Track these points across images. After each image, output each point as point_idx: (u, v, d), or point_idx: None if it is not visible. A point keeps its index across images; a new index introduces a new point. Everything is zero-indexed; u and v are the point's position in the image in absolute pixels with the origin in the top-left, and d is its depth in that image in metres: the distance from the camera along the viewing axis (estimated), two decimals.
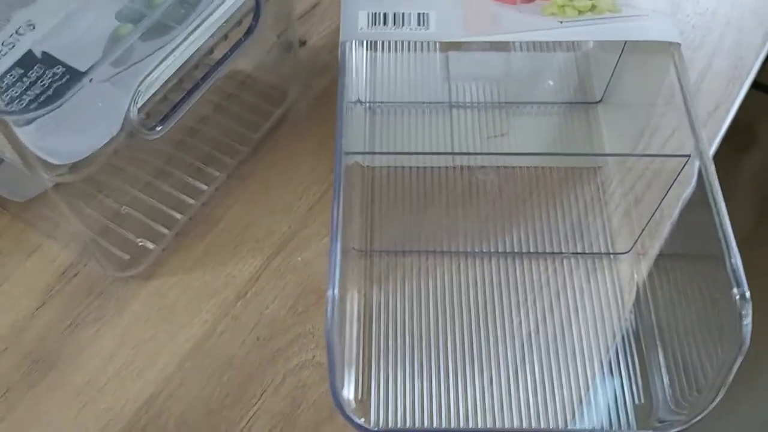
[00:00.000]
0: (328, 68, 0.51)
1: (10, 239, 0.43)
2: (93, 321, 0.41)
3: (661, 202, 0.39)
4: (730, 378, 0.31)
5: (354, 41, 0.39)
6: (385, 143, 0.47)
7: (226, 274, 0.43)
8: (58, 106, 0.31)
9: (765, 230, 1.20)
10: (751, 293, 0.31)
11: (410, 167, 0.46)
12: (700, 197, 0.34)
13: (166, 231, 0.43)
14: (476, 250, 0.43)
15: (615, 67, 0.46)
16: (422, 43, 0.49)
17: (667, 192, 0.38)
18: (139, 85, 0.34)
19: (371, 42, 0.48)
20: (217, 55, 0.38)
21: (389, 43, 0.49)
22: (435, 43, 0.49)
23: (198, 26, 0.37)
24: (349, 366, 0.39)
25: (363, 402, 0.38)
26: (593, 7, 0.38)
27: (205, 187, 0.45)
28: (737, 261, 0.31)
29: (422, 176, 0.46)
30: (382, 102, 0.49)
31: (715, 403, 0.31)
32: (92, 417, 0.38)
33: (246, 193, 0.46)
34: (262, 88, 0.49)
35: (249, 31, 0.39)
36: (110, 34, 0.38)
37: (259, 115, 0.48)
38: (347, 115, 0.37)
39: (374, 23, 0.38)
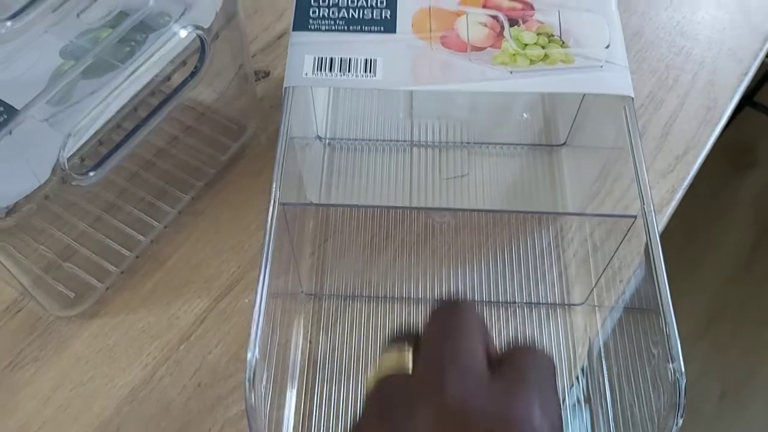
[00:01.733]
0: None
1: None
2: (32, 361, 0.40)
3: (612, 257, 0.38)
4: None
5: (292, 88, 0.37)
6: (342, 181, 0.46)
7: (170, 315, 0.42)
8: None
9: (764, 249, 1.19)
10: (750, 307, 0.30)
11: (366, 207, 0.46)
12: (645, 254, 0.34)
13: (113, 268, 0.43)
14: (428, 297, 0.42)
15: (577, 111, 0.45)
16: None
17: (618, 247, 0.37)
18: (71, 129, 0.34)
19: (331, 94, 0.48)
20: (160, 97, 0.37)
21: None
22: None
23: (141, 65, 0.37)
24: (287, 417, 0.38)
25: None
26: (545, 57, 0.37)
27: (156, 224, 0.44)
28: (674, 332, 0.30)
29: (378, 216, 0.45)
30: (341, 139, 0.48)
31: None
32: None
33: (197, 231, 0.45)
34: (220, 121, 0.48)
35: (194, 73, 0.38)
36: (53, 72, 0.37)
37: (216, 149, 0.47)
38: (293, 156, 0.36)
39: (320, 68, 0.37)
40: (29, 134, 0.34)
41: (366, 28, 0.38)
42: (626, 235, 0.36)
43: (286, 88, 0.37)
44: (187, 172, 0.46)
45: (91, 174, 0.35)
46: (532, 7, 0.39)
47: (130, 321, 0.42)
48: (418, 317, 0.42)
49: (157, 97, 0.38)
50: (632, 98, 0.37)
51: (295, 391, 0.39)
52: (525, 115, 0.49)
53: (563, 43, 0.37)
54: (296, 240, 0.39)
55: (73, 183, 0.34)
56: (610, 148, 0.42)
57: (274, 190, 0.34)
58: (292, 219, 0.36)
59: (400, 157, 0.47)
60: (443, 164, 0.47)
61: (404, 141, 0.48)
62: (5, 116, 0.34)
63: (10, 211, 0.33)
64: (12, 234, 0.38)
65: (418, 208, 0.45)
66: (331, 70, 0.37)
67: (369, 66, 0.37)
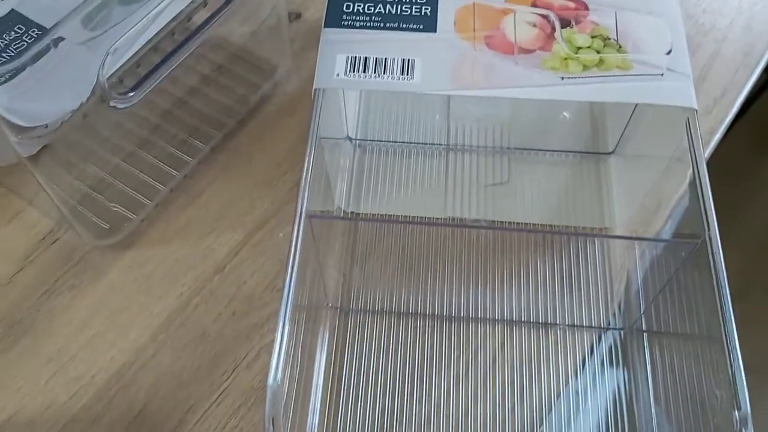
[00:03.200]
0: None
1: None
2: (69, 289, 0.41)
3: (667, 283, 0.36)
4: None
5: (323, 90, 0.35)
6: (373, 186, 0.44)
7: (205, 247, 0.42)
8: (22, 63, 0.30)
9: None
10: None
11: (397, 216, 0.43)
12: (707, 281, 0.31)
13: (147, 202, 0.43)
14: (461, 316, 0.40)
15: (630, 118, 0.42)
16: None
17: (674, 273, 0.35)
18: (110, 49, 0.34)
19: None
20: (197, 22, 0.37)
21: None
22: None
23: None
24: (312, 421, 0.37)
25: None
26: (600, 62, 0.34)
27: (189, 159, 0.44)
28: (741, 379, 0.28)
29: (409, 228, 0.43)
30: (373, 140, 0.45)
31: None
32: (62, 385, 0.38)
33: (230, 167, 0.45)
34: (252, 61, 0.48)
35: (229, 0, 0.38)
36: None
37: (247, 88, 0.47)
38: (321, 157, 0.34)
39: (353, 69, 0.35)
40: (68, 56, 0.34)
41: (404, 25, 0.36)
42: (685, 260, 0.33)
43: (316, 89, 0.35)
44: (219, 110, 0.46)
45: (131, 94, 0.35)
46: (586, 7, 0.36)
47: (165, 252, 0.42)
48: (451, 335, 0.40)
49: (193, 23, 0.38)
50: (696, 110, 0.34)
51: (318, 406, 0.37)
52: (565, 114, 0.46)
53: (620, 47, 0.35)
54: (322, 250, 0.37)
55: (112, 103, 0.34)
56: (666, 159, 0.39)
57: (300, 200, 0.32)
58: (319, 229, 0.34)
59: (435, 162, 0.44)
60: (482, 170, 0.44)
61: (440, 144, 0.45)
62: (41, 35, 0.34)
63: (52, 129, 0.34)
64: (52, 159, 0.38)
65: (453, 225, 0.42)
66: (365, 71, 0.35)
67: (406, 67, 0.35)
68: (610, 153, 0.44)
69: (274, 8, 0.45)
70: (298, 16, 0.51)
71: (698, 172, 0.32)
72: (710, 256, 0.30)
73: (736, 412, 0.28)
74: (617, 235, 0.42)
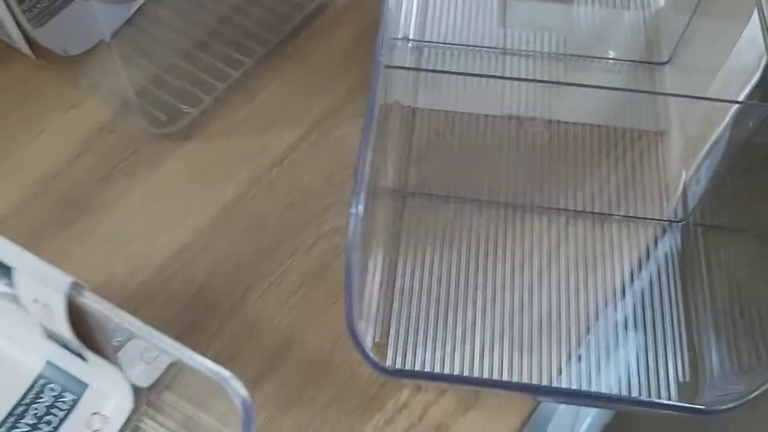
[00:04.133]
0: None
1: (51, 93, 0.43)
2: (126, 175, 0.41)
3: (719, 163, 0.37)
4: None
5: None
6: (430, 84, 0.44)
7: (263, 142, 0.42)
8: None
9: None
10: None
11: (454, 112, 0.43)
12: None
13: (204, 96, 0.43)
14: (517, 202, 0.40)
15: (685, 29, 0.43)
16: None
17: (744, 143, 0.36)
18: None
19: None
20: None
21: None
22: None
23: None
24: (368, 306, 0.36)
25: (379, 345, 0.36)
26: None
27: (246, 60, 0.44)
28: None
29: (466, 122, 0.43)
30: (429, 42, 0.46)
31: None
32: (121, 262, 0.38)
33: (285, 70, 0.45)
34: None
35: None
36: None
37: None
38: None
39: None
40: None
41: None
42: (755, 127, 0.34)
43: None
44: (274, 16, 0.47)
45: None
46: None
47: (223, 145, 0.42)
48: (506, 222, 0.40)
49: None
50: None
51: (376, 290, 0.37)
52: (611, 52, 0.47)
53: None
54: (384, 128, 0.37)
55: None
56: (715, 69, 0.40)
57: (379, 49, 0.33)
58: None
59: (492, 64, 0.45)
60: (538, 75, 0.45)
61: (496, 48, 0.46)
62: None
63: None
64: (121, 45, 0.38)
65: (511, 116, 0.43)
66: None
67: None
68: (665, 63, 0.45)
69: None
70: None
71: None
72: None
73: None
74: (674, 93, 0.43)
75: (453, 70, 0.45)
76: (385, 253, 0.38)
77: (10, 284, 0.27)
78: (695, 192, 0.40)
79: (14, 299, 0.28)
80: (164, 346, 0.25)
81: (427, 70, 0.44)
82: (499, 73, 0.44)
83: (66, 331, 0.27)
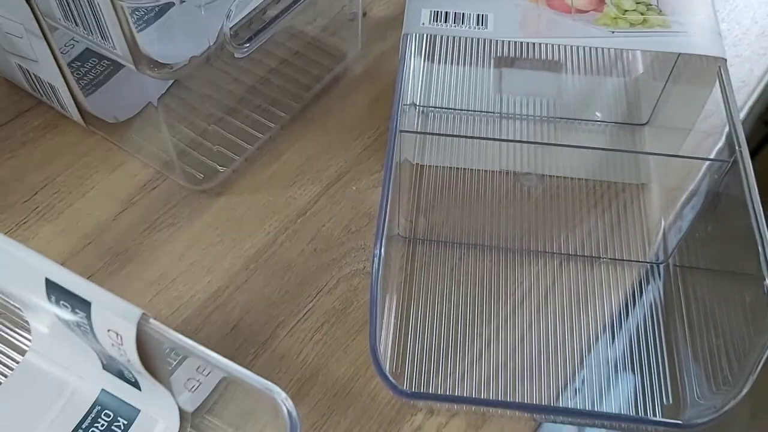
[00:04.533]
0: (384, 37, 0.56)
1: (98, 156, 0.48)
2: (168, 226, 0.46)
3: (701, 211, 0.42)
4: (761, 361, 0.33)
5: (415, 34, 0.43)
6: (435, 144, 0.50)
7: (288, 196, 0.47)
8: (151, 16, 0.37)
9: None
10: None
11: (458, 168, 0.49)
12: (734, 199, 0.37)
13: (236, 157, 0.48)
14: (515, 247, 0.45)
15: (661, 93, 0.49)
16: (477, 54, 0.52)
17: (709, 194, 0.42)
18: (232, 5, 0.40)
19: (428, 51, 0.51)
20: None
21: (446, 53, 0.52)
22: (489, 52, 0.52)
23: None
24: (386, 339, 0.41)
25: (396, 372, 0.40)
26: (644, 21, 0.42)
27: (272, 125, 0.50)
28: None
29: (468, 176, 0.48)
30: (434, 107, 0.52)
31: (746, 388, 0.33)
32: (164, 303, 0.42)
33: (307, 133, 0.51)
34: (324, 48, 0.54)
35: None
36: None
37: (320, 70, 0.53)
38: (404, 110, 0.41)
39: (435, 20, 0.42)
40: (190, 15, 0.40)
41: None
42: (718, 179, 0.39)
43: (405, 35, 0.42)
44: (296, 86, 0.52)
45: (246, 45, 0.41)
46: None
47: (253, 199, 0.47)
48: (507, 264, 0.45)
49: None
50: (725, 60, 0.41)
51: (391, 328, 0.42)
52: (598, 114, 0.53)
53: (660, 11, 0.42)
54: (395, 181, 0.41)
55: (234, 53, 0.41)
56: (689, 128, 0.46)
57: (394, 117, 0.38)
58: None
59: (490, 127, 0.51)
60: (531, 135, 0.51)
61: (494, 112, 0.52)
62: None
63: (180, 67, 0.39)
64: (163, 112, 0.44)
65: (508, 171, 0.48)
66: (445, 21, 0.42)
67: (480, 20, 0.42)
68: (644, 124, 0.51)
69: (350, 3, 0.52)
70: (365, 13, 0.58)
71: (728, 103, 0.39)
72: (742, 171, 0.36)
73: None
74: (653, 152, 0.49)
75: (456, 133, 0.51)
76: (398, 293, 0.43)
77: (87, 317, 0.31)
78: (674, 236, 0.46)
79: (83, 331, 0.33)
80: (219, 364, 0.30)
81: (433, 134, 0.49)
82: (496, 135, 0.50)
83: (133, 356, 0.31)
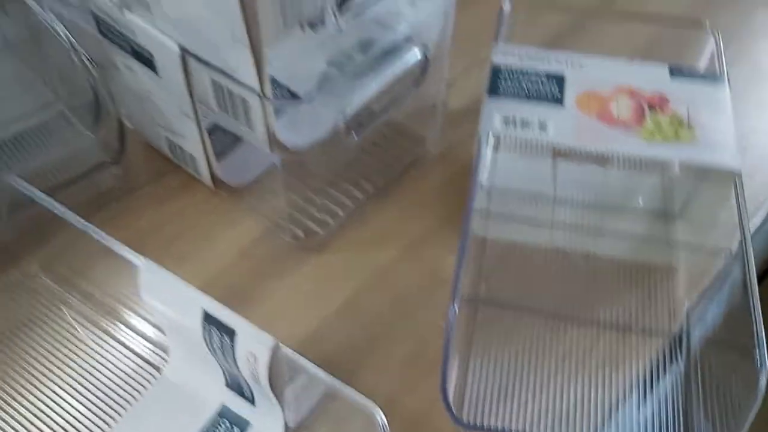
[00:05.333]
0: (458, 126, 0.66)
1: (221, 213, 0.59)
2: (275, 275, 0.56)
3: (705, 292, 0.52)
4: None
5: (489, 133, 0.52)
6: (499, 222, 0.60)
7: (372, 256, 0.57)
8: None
9: None
10: None
11: (516, 242, 0.58)
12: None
13: (331, 221, 0.59)
14: (560, 313, 0.54)
15: (692, 190, 0.59)
16: (537, 147, 0.59)
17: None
18: (345, 103, 0.51)
19: (496, 145, 0.58)
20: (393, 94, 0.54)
21: (512, 143, 0.59)
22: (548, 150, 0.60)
23: (384, 72, 0.54)
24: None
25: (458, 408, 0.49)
26: (676, 136, 0.51)
27: (361, 196, 0.60)
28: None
29: (525, 250, 0.57)
30: (499, 187, 0.60)
31: None
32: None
33: (390, 205, 0.61)
34: (407, 133, 0.65)
35: (416, 83, 0.55)
36: (320, 73, 0.55)
37: (402, 151, 0.64)
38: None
39: (506, 124, 0.52)
40: (308, 110, 0.51)
41: (541, 100, 0.54)
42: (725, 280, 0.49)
43: (480, 133, 0.52)
44: (382, 164, 0.63)
45: (356, 137, 0.51)
46: (667, 100, 0.54)
47: (344, 257, 0.57)
48: (559, 329, 0.53)
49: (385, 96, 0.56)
50: (740, 173, 0.50)
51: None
52: (640, 200, 0.62)
53: (690, 127, 0.52)
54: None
55: (344, 138, 0.51)
56: (715, 223, 0.55)
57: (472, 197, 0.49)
58: None
59: (546, 210, 0.60)
60: (579, 220, 0.60)
61: (549, 197, 0.61)
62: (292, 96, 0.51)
63: (303, 149, 0.50)
64: (291, 174, 0.54)
65: (561, 249, 0.57)
66: (514, 126, 0.52)
67: (543, 126, 0.52)
68: (676, 216, 0.60)
69: (438, 92, 0.63)
70: (445, 104, 0.68)
71: (740, 213, 0.48)
72: (744, 263, 0.45)
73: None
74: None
75: (516, 215, 0.60)
76: (462, 346, 0.52)
77: (231, 341, 0.41)
78: (695, 314, 0.54)
79: (224, 353, 0.43)
80: (330, 382, 0.39)
81: (499, 215, 0.59)
82: (550, 217, 0.59)
83: (264, 375, 0.41)
